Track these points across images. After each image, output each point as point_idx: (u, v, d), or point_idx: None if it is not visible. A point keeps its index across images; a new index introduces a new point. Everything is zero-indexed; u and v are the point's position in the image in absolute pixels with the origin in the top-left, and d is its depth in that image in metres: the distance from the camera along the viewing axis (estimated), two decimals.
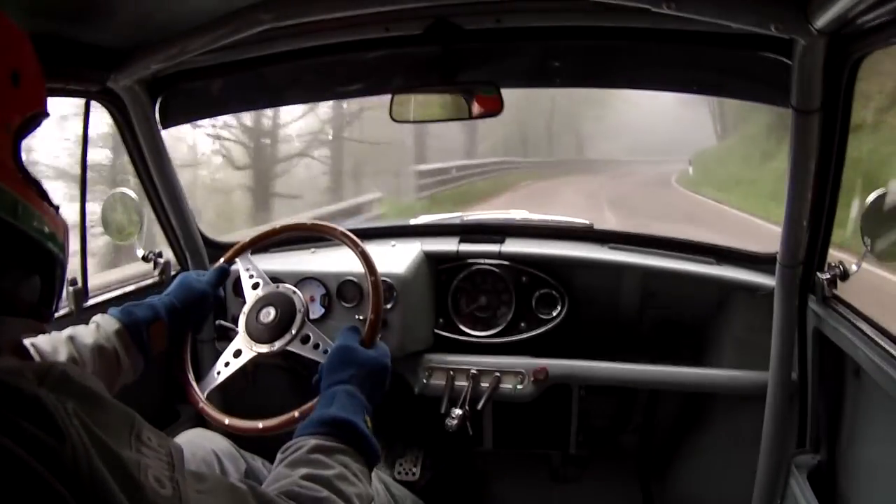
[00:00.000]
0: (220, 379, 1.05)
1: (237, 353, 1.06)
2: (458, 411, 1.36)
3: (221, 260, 1.17)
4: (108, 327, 0.90)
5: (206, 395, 1.04)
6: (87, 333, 0.89)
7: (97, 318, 0.91)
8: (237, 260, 1.18)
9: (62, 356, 0.83)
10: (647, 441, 1.79)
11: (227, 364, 1.06)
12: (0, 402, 0.40)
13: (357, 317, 1.42)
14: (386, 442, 1.79)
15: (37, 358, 0.77)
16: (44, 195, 0.55)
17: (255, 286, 1.14)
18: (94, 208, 1.36)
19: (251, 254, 1.18)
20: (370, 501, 0.71)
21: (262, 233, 1.20)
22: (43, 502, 0.37)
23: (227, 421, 1.00)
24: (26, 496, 0.37)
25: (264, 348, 1.05)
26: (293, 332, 1.05)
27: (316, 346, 1.04)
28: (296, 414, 0.94)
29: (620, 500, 1.76)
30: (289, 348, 1.05)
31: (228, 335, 1.11)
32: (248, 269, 1.16)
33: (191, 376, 1.05)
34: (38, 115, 0.55)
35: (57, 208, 0.56)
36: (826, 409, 1.19)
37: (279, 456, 0.71)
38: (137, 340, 0.91)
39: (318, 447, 0.69)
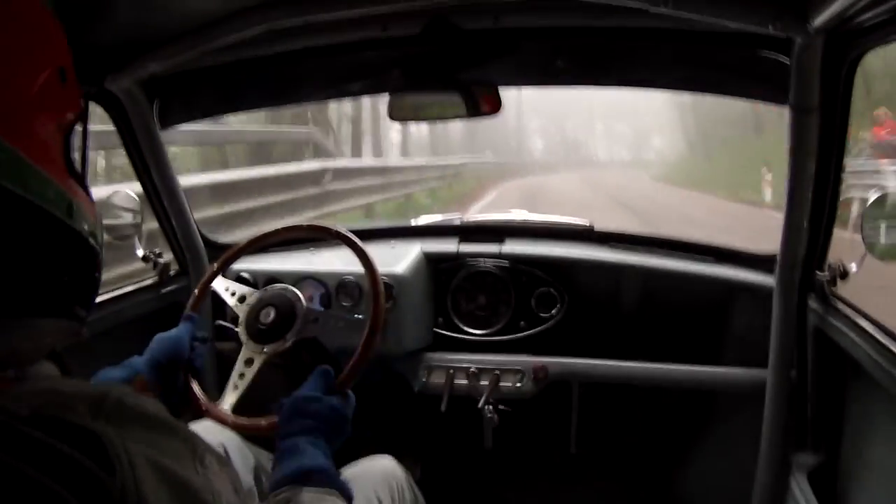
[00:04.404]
0: (241, 391, 1.02)
1: (249, 362, 1.03)
2: (490, 406, 1.41)
3: (192, 301, 1.13)
4: None
5: (231, 410, 1.00)
6: None
7: None
8: (213, 286, 1.14)
9: None
10: (647, 440, 1.79)
11: (241, 375, 1.02)
12: (50, 437, 0.38)
13: (356, 315, 1.41)
14: (386, 442, 1.79)
15: None
16: (87, 190, 0.54)
17: (242, 299, 1.11)
18: None
19: (237, 262, 1.17)
20: None
21: (227, 255, 1.17)
22: None
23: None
24: None
25: (276, 346, 1.02)
26: (299, 325, 1.03)
27: (328, 323, 1.03)
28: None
29: (620, 500, 1.76)
30: (304, 336, 1.03)
31: (228, 334, 1.11)
32: (227, 289, 1.13)
33: (204, 401, 1.02)
34: (80, 113, 0.55)
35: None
36: (826, 409, 1.19)
37: None
38: None
39: (308, 498, 0.69)
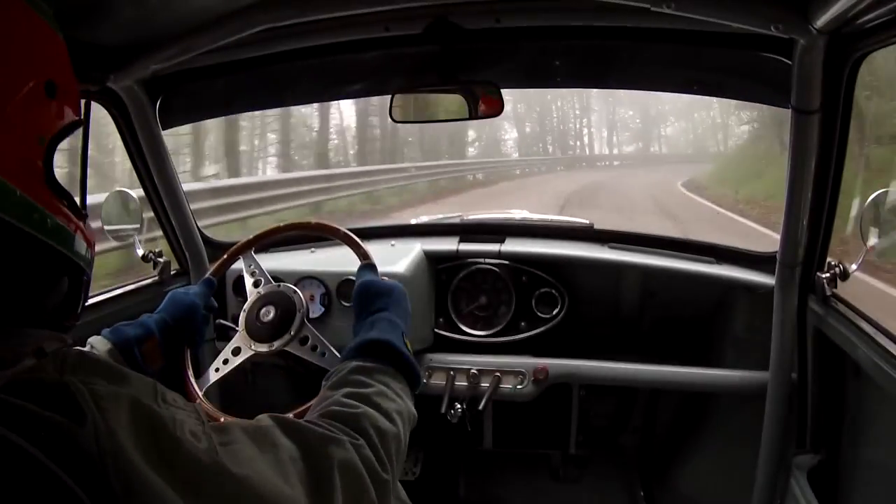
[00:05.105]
0: (219, 376, 1.05)
1: (236, 351, 1.06)
2: (458, 406, 1.42)
3: (216, 265, 1.17)
4: (100, 348, 0.90)
5: (203, 391, 1.04)
6: None
7: (91, 339, 0.91)
8: (240, 257, 1.17)
9: None
10: (647, 441, 1.79)
11: (225, 361, 1.06)
12: (23, 397, 0.39)
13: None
14: None
15: None
16: (73, 206, 0.54)
17: (257, 284, 1.13)
18: None
19: (255, 252, 1.18)
20: (412, 419, 0.72)
21: (263, 231, 1.19)
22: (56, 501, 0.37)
23: (222, 419, 1.00)
24: (38, 496, 0.37)
25: (263, 347, 1.05)
26: (292, 332, 1.04)
27: (314, 349, 1.04)
28: (291, 416, 0.94)
29: (620, 500, 1.76)
30: (287, 349, 1.04)
31: (228, 335, 1.11)
32: (250, 266, 1.16)
33: (190, 373, 1.05)
34: (73, 124, 0.54)
35: (85, 218, 0.56)
36: (826, 409, 1.19)
37: (323, 383, 0.72)
38: (129, 359, 0.91)
39: (358, 368, 0.71)
